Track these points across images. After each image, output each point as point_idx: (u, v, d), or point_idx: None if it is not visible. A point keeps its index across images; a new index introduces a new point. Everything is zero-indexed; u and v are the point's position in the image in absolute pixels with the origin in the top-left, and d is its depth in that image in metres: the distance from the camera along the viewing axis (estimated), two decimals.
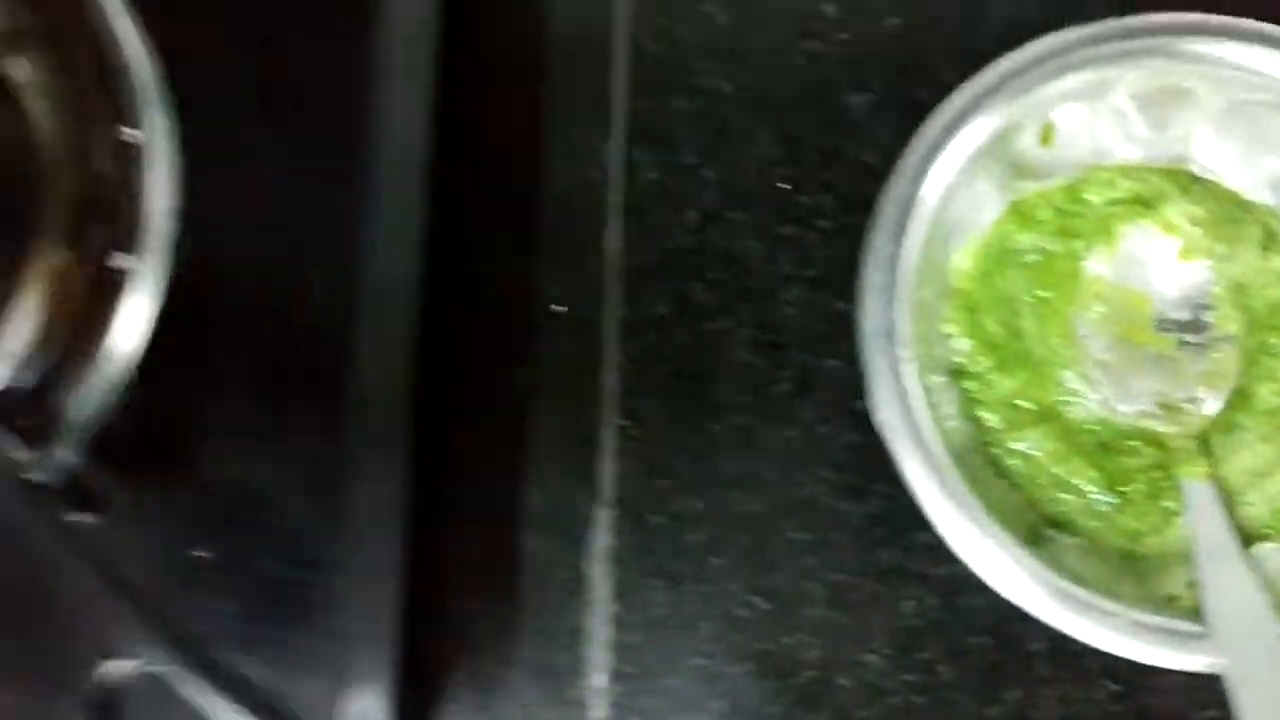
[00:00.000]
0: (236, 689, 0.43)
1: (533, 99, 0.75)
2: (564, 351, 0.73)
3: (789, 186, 0.74)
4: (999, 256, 0.67)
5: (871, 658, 0.70)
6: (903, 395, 0.64)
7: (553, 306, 0.73)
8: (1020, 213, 0.67)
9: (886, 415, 0.65)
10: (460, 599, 0.70)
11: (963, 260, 0.67)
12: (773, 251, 0.73)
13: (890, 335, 0.63)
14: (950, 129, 0.63)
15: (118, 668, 0.43)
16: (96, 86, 0.62)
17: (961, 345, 0.67)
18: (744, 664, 0.71)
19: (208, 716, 0.43)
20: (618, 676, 0.71)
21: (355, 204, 0.62)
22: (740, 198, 0.74)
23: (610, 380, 0.72)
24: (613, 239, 0.73)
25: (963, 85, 0.65)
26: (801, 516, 0.72)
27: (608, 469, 0.70)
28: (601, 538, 0.70)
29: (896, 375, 0.62)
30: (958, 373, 0.66)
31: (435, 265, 0.67)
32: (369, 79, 0.63)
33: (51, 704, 0.43)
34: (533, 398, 0.72)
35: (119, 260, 0.60)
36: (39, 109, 0.64)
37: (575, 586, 0.72)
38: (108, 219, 0.61)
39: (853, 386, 0.70)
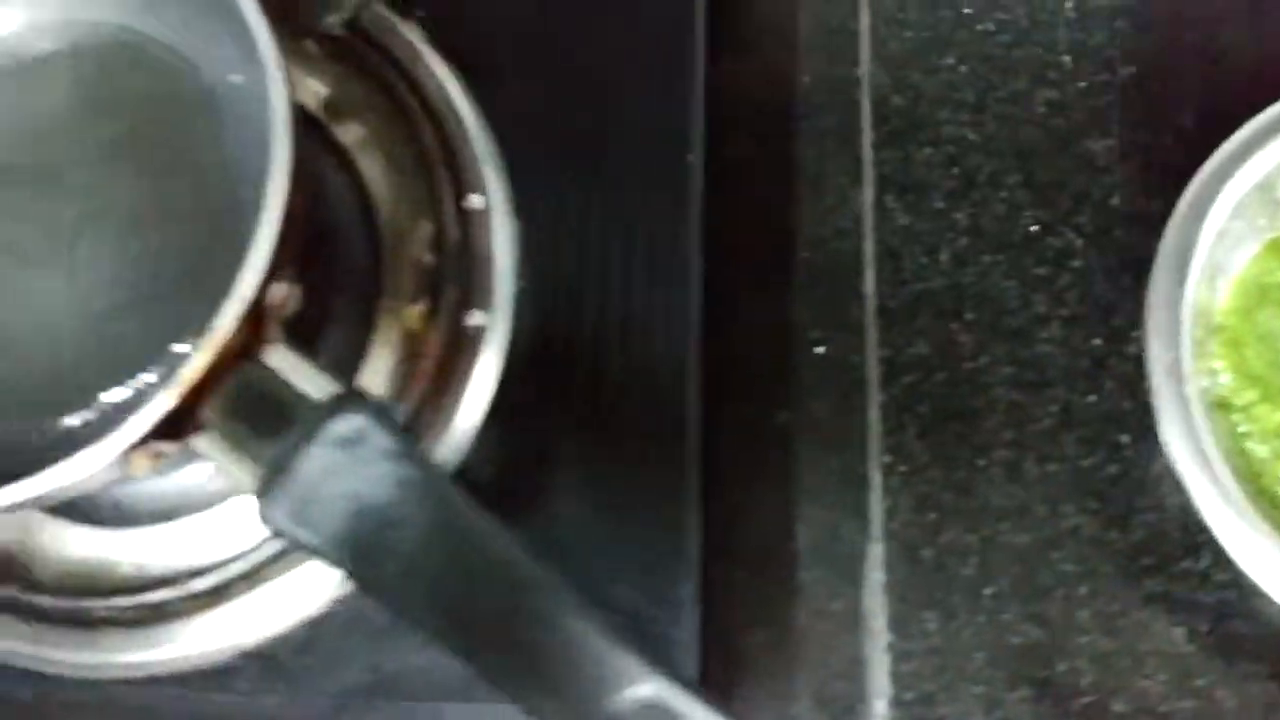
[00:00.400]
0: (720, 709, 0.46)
1: (784, 151, 0.78)
2: (828, 392, 0.75)
3: (1038, 229, 0.76)
4: (1259, 292, 0.72)
5: (1147, 683, 0.71)
6: (1192, 430, 0.66)
7: (815, 349, 0.76)
8: (1277, 249, 0.71)
9: (1178, 449, 0.67)
10: (741, 633, 0.71)
11: (1226, 297, 0.71)
12: (1027, 291, 0.75)
13: (1177, 373, 0.66)
14: (1224, 174, 0.67)
15: (621, 698, 0.46)
16: (437, 153, 0.65)
17: (1226, 379, 0.71)
18: (1020, 690, 0.72)
19: None
20: (897, 704, 0.73)
21: (677, 258, 0.64)
22: (991, 241, 0.76)
23: (874, 419, 0.74)
24: (869, 283, 0.76)
25: (1242, 127, 0.68)
26: (1069, 547, 0.73)
27: (877, 505, 0.72)
28: (875, 572, 0.72)
29: (1186, 410, 0.65)
30: (1223, 406, 0.70)
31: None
32: (685, 138, 0.66)
33: None
34: (800, 438, 0.74)
35: (472, 318, 0.63)
36: (374, 171, 0.67)
37: (852, 619, 0.73)
38: (457, 279, 0.63)
39: (1113, 421, 0.74)
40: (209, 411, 0.51)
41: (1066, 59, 0.79)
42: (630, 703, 0.45)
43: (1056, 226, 0.78)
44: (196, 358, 0.49)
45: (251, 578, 0.65)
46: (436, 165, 0.66)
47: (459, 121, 0.68)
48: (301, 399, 0.50)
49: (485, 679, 0.47)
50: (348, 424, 0.48)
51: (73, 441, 0.57)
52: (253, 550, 0.64)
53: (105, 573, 0.65)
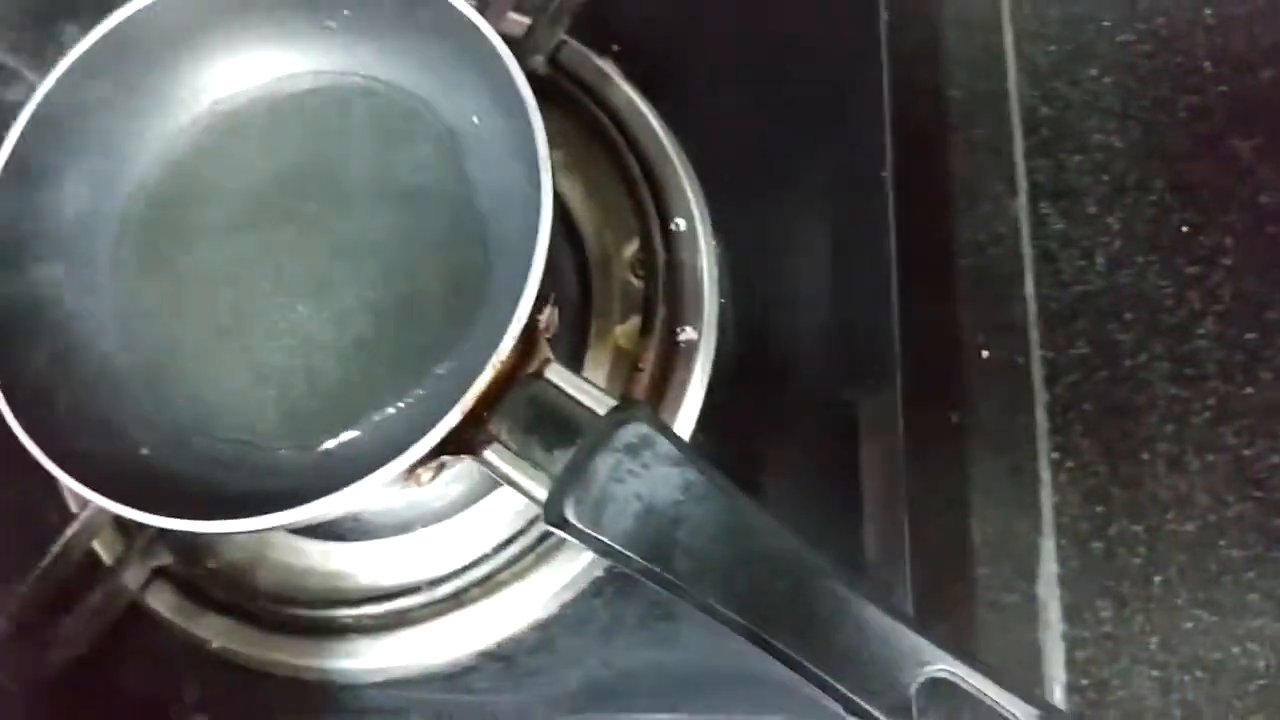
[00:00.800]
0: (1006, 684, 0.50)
1: (939, 163, 0.81)
2: (996, 393, 0.78)
3: (1188, 229, 0.79)
4: None
5: None
6: None
7: (981, 353, 0.79)
8: None
9: None
10: (921, 625, 0.74)
11: None
12: (1181, 290, 0.79)
13: None
14: None
15: (915, 676, 0.50)
16: (640, 180, 0.70)
17: None
18: (1195, 673, 0.74)
19: (998, 706, 0.50)
20: (1074, 690, 0.75)
21: (875, 270, 0.68)
22: (1144, 242, 0.80)
23: (1041, 418, 0.77)
24: (1029, 287, 0.79)
25: None
26: (1233, 534, 0.75)
27: (1047, 500, 0.76)
28: (1048, 564, 0.75)
29: None
30: None
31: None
32: (878, 155, 0.70)
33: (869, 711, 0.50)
34: (970, 438, 0.78)
35: (683, 334, 0.67)
36: (576, 197, 0.72)
37: (1027, 609, 0.75)
38: (666, 299, 0.67)
39: (1272, 411, 0.76)
40: (495, 427, 0.54)
41: (1207, 64, 0.82)
42: (923, 681, 0.49)
43: (1206, 226, 0.80)
44: (483, 376, 0.53)
45: (487, 584, 0.68)
46: (641, 191, 0.69)
47: (660, 149, 0.71)
48: (585, 411, 0.54)
49: (782, 662, 0.50)
50: (633, 432, 0.52)
51: (333, 461, 0.61)
52: (487, 558, 0.67)
53: (348, 583, 0.68)
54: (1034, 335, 0.78)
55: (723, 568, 0.50)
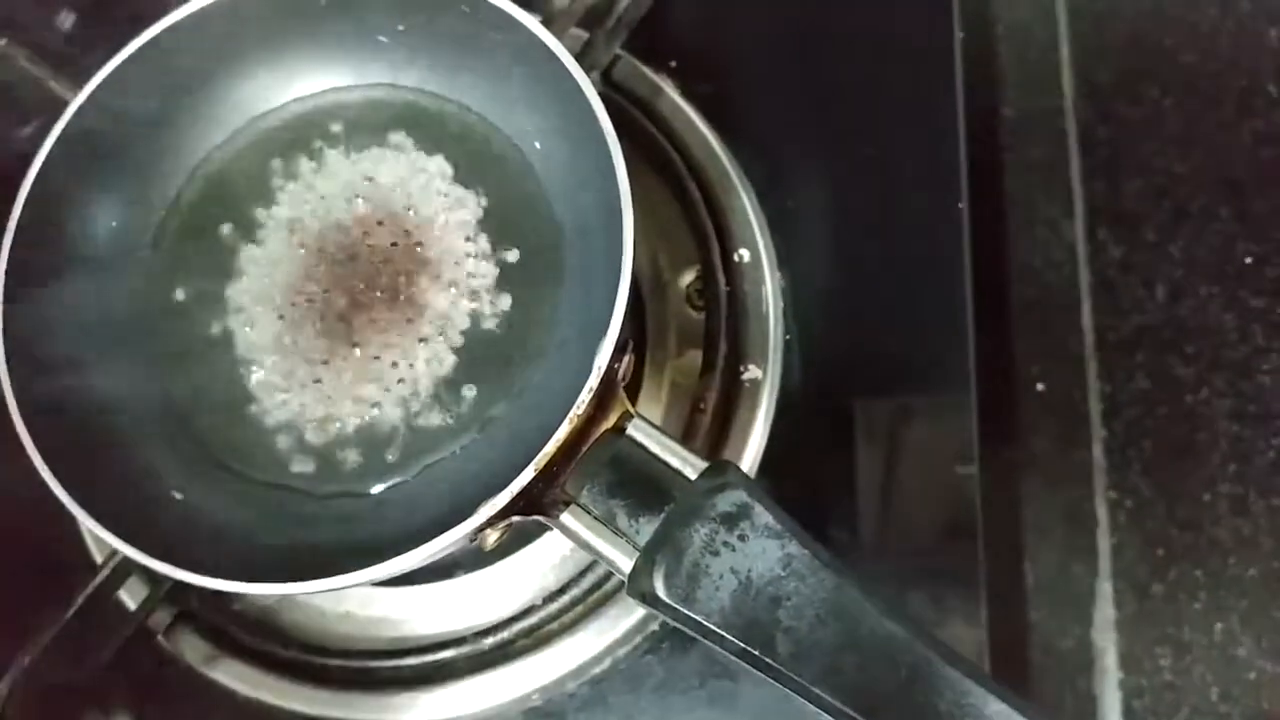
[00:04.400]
0: None
1: (993, 183, 0.78)
2: (1050, 429, 0.75)
3: (1252, 260, 0.76)
4: None
5: None
6: None
7: (1036, 386, 0.76)
8: None
9: None
10: None
11: None
12: (1245, 323, 0.75)
13: None
14: None
15: None
16: (701, 208, 0.66)
17: None
18: None
19: None
20: None
21: (950, 304, 0.65)
22: (1207, 272, 0.76)
23: (1098, 455, 0.74)
24: (1086, 316, 0.76)
25: None
26: None
27: (1104, 542, 0.73)
28: (1104, 609, 0.72)
29: None
30: None
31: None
32: (953, 186, 0.66)
33: None
34: (1023, 474, 0.75)
35: (746, 372, 0.63)
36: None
37: (1083, 656, 0.72)
38: (728, 333, 0.64)
39: None
40: (572, 487, 0.50)
41: (1272, 88, 0.79)
42: None
43: (1272, 257, 0.76)
44: (561, 430, 0.49)
45: (535, 635, 0.64)
46: (701, 217, 0.65)
47: (721, 172, 0.68)
48: (674, 474, 0.49)
49: None
50: (729, 500, 0.48)
51: (385, 509, 0.57)
52: (535, 608, 0.64)
53: (386, 632, 0.64)
54: (1091, 368, 0.74)
55: (828, 652, 0.46)
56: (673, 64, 0.73)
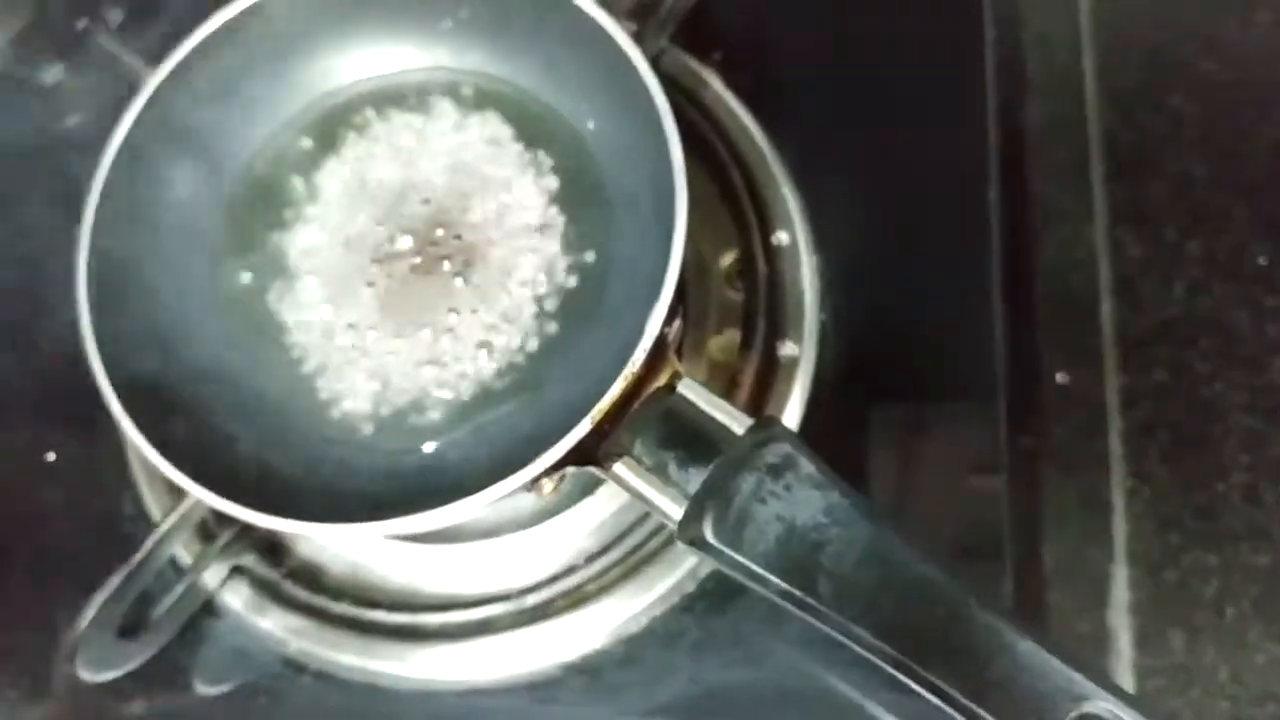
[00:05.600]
0: None
1: (1018, 185, 0.81)
2: (1070, 419, 0.78)
3: (1267, 261, 0.79)
4: None
5: None
6: None
7: (1056, 377, 0.78)
8: None
9: None
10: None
11: None
12: (1260, 321, 0.78)
13: None
14: None
15: (1070, 713, 0.49)
16: (743, 191, 0.69)
17: None
18: (1268, 706, 0.73)
19: None
20: None
21: (980, 290, 0.68)
22: (1222, 271, 0.79)
23: (1115, 445, 0.77)
24: (1106, 312, 0.79)
25: None
26: None
27: (1120, 528, 0.75)
28: (1119, 592, 0.74)
29: None
30: None
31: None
32: (983, 174, 0.69)
33: None
34: (1043, 462, 0.77)
35: (784, 349, 0.66)
36: None
37: (1098, 637, 0.74)
38: (767, 312, 0.67)
39: None
40: (625, 440, 0.53)
41: None
42: (1076, 716, 0.48)
43: None
44: (615, 386, 0.52)
45: (575, 595, 0.67)
46: (742, 201, 0.68)
47: (761, 159, 0.71)
48: (722, 428, 0.52)
49: (929, 692, 0.49)
50: (775, 452, 0.51)
51: (441, 465, 0.60)
52: (577, 569, 0.66)
53: (432, 588, 0.67)
54: (1110, 361, 0.77)
55: (867, 594, 0.49)
56: (717, 56, 0.76)
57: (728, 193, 0.69)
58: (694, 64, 0.74)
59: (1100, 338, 0.78)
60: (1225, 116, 0.81)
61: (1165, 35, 0.84)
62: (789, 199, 0.70)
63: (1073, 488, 0.77)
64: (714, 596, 0.66)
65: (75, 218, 0.65)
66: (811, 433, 0.68)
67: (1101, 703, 0.48)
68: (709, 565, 0.65)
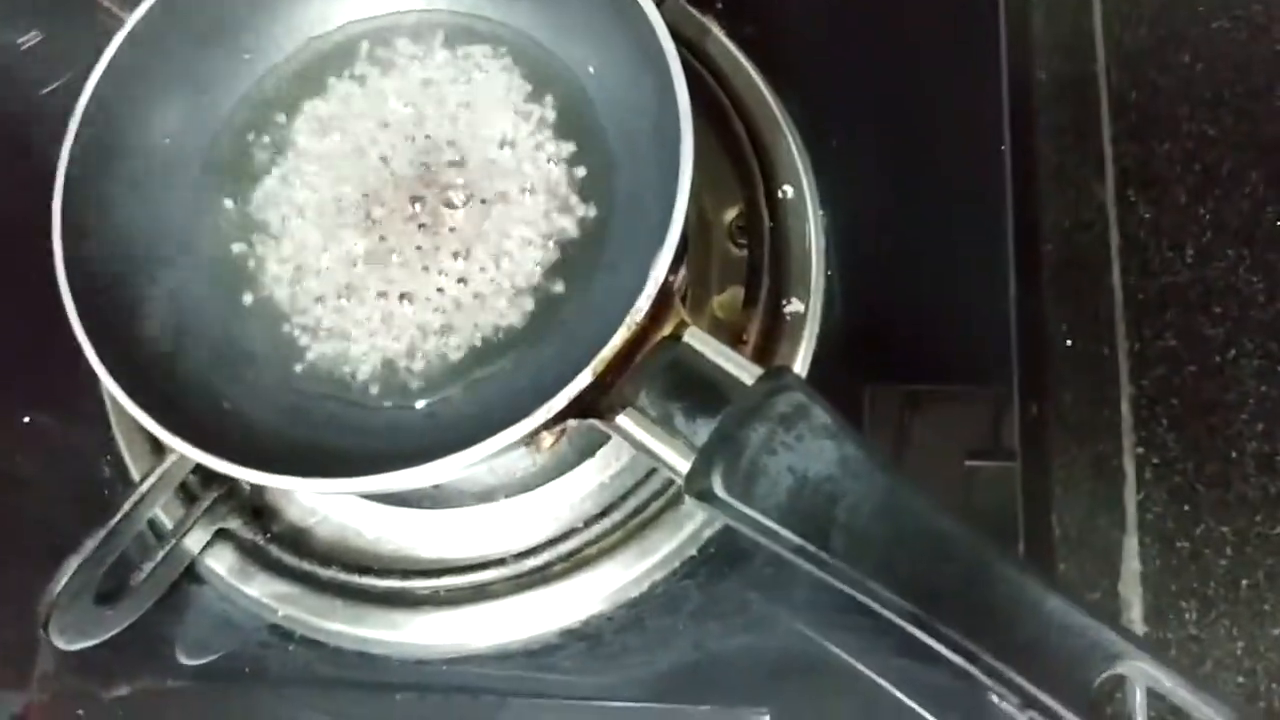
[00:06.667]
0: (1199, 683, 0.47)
1: (1026, 145, 0.79)
2: (1079, 385, 0.76)
3: None
4: None
5: None
6: None
7: (1066, 342, 0.76)
8: None
9: None
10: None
11: None
12: (1272, 285, 0.76)
13: None
14: None
15: (1101, 672, 0.47)
16: (747, 144, 0.67)
17: None
18: None
19: (1191, 706, 0.47)
20: (1156, 693, 0.71)
21: (991, 246, 0.65)
22: (1236, 235, 0.77)
23: (1126, 411, 0.75)
24: (1116, 276, 0.77)
25: None
26: None
27: (1131, 497, 0.73)
28: (1130, 562, 0.73)
29: None
30: None
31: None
32: (995, 129, 0.67)
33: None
34: (1051, 429, 0.75)
35: (789, 305, 0.64)
36: None
37: (1109, 608, 0.73)
38: (771, 268, 0.65)
39: None
40: (629, 391, 0.50)
41: None
42: (1110, 678, 0.45)
43: None
44: (618, 336, 0.50)
45: (574, 559, 0.65)
46: (746, 155, 0.66)
47: (766, 111, 0.69)
48: (731, 378, 0.50)
49: (951, 650, 0.47)
50: (787, 401, 0.49)
51: (436, 421, 0.58)
52: (576, 532, 0.64)
53: (425, 553, 0.65)
54: (1120, 326, 0.75)
55: (884, 548, 0.47)
56: (719, 5, 0.74)
57: (730, 146, 0.67)
58: (696, 13, 0.71)
59: (1110, 302, 0.76)
60: (1237, 75, 0.79)
61: None
62: (794, 151, 0.68)
63: (1082, 456, 0.74)
64: (717, 561, 0.65)
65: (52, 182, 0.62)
66: (817, 388, 0.65)
67: (1136, 663, 0.45)
68: (711, 529, 0.63)
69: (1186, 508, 0.74)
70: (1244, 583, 0.72)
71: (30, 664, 0.68)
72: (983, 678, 0.46)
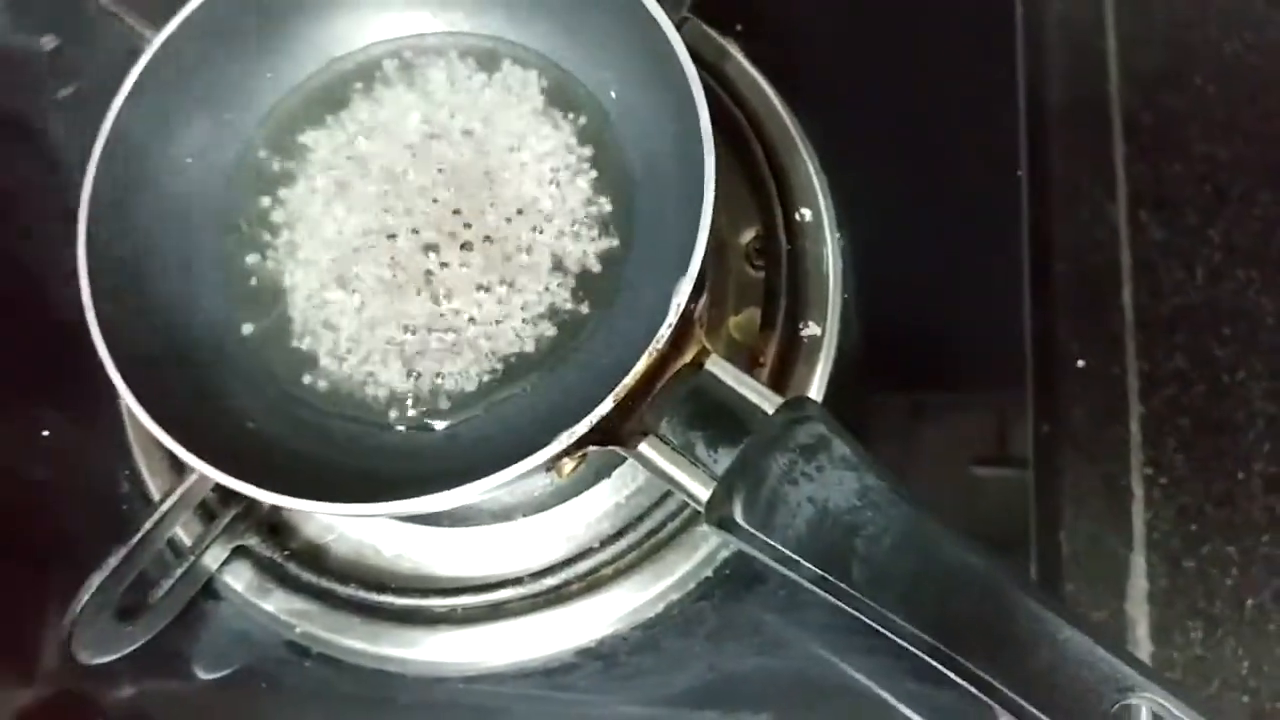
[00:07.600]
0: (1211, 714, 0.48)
1: (1039, 166, 0.79)
2: (1089, 404, 0.76)
3: None
4: None
5: None
6: None
7: (1076, 362, 0.77)
8: None
9: None
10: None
11: None
12: None
13: None
14: None
15: (1116, 703, 0.47)
16: (764, 167, 0.67)
17: None
18: None
19: None
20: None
21: (1007, 270, 0.66)
22: (1246, 257, 0.78)
23: (1135, 431, 0.75)
24: (1127, 296, 0.77)
25: None
26: None
27: (1138, 516, 0.74)
28: (1138, 581, 0.73)
29: None
30: None
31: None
32: (1011, 154, 0.67)
33: None
34: (1061, 448, 0.76)
35: (806, 329, 0.64)
36: None
37: (1115, 627, 0.73)
38: (788, 291, 0.65)
39: None
40: (650, 419, 0.51)
41: None
42: (1121, 706, 0.46)
43: None
44: (640, 364, 0.50)
45: (590, 579, 0.65)
46: (764, 177, 0.66)
47: (784, 134, 0.69)
48: (752, 407, 0.51)
49: (968, 681, 0.48)
50: (808, 432, 0.49)
51: (457, 444, 0.58)
52: (592, 552, 0.64)
53: (442, 572, 0.65)
54: (1130, 346, 0.75)
55: (904, 580, 0.47)
56: (739, 28, 0.74)
57: (749, 168, 0.67)
58: (716, 36, 0.71)
59: (1120, 322, 0.76)
60: (1249, 98, 0.79)
61: (1187, 16, 0.82)
62: (812, 174, 0.68)
63: (1091, 474, 0.75)
64: (732, 583, 0.65)
65: (74, 188, 0.62)
66: (833, 412, 0.65)
67: (1148, 694, 0.46)
68: (727, 551, 0.64)
69: (1194, 527, 0.74)
70: (1250, 602, 0.73)
71: (46, 679, 0.68)
72: (997, 706, 0.46)
